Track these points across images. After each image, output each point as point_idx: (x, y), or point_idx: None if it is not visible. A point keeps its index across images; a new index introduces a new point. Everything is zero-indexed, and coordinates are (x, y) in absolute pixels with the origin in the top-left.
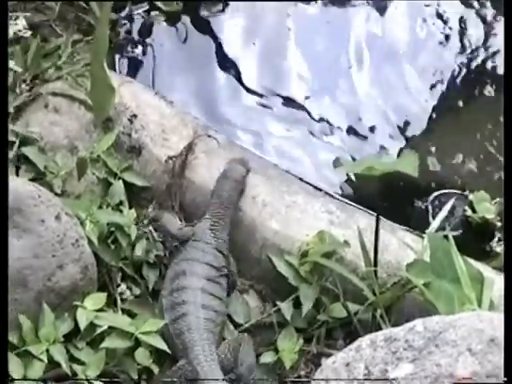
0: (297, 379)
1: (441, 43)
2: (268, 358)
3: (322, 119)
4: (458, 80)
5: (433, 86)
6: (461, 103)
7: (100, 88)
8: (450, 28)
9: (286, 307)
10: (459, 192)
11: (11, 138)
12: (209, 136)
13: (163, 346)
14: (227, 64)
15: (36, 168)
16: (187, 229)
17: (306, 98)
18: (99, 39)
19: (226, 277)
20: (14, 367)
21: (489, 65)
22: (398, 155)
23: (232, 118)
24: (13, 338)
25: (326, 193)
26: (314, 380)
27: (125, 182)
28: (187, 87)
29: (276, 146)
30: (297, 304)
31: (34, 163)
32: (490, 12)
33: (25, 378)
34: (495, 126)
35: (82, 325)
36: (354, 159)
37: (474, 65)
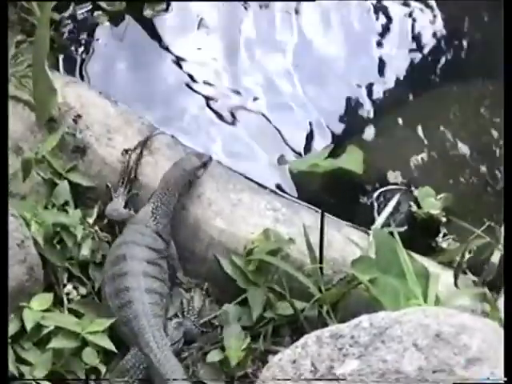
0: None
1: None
2: (215, 356)
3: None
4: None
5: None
6: (410, 96)
7: (41, 89)
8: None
9: (233, 310)
10: (404, 188)
11: None
12: (162, 133)
13: (110, 345)
14: (171, 63)
15: None
16: (125, 211)
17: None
18: (40, 40)
19: (165, 260)
20: None
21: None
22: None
23: (176, 116)
24: None
25: (271, 190)
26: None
27: (70, 183)
28: (132, 87)
29: (221, 144)
30: (243, 302)
31: None
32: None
33: (25, 378)
34: (443, 121)
35: (29, 325)
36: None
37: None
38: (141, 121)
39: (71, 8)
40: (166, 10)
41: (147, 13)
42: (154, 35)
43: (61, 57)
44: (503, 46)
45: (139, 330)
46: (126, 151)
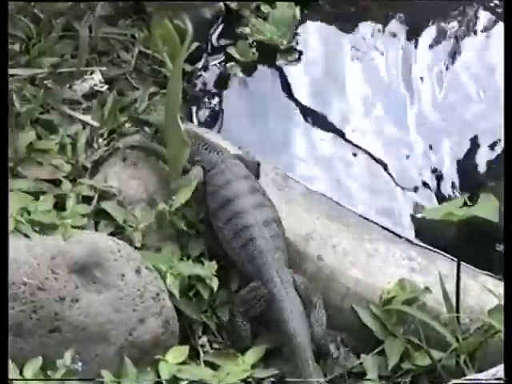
0: None
1: None
2: None
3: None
4: None
5: None
6: None
7: (174, 141)
8: None
9: (371, 361)
10: None
11: (90, 193)
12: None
13: None
14: (302, 113)
15: (115, 222)
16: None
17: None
18: (172, 91)
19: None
20: None
21: None
22: (471, 200)
23: (307, 164)
24: None
25: (407, 239)
26: None
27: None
28: (264, 137)
29: (351, 192)
30: (380, 352)
31: (113, 217)
32: None
33: (25, 378)
34: None
35: (165, 378)
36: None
37: None
38: (275, 171)
39: (203, 59)
40: (298, 59)
41: (280, 62)
42: (286, 85)
43: (193, 108)
44: (503, 46)
45: (264, 265)
46: None
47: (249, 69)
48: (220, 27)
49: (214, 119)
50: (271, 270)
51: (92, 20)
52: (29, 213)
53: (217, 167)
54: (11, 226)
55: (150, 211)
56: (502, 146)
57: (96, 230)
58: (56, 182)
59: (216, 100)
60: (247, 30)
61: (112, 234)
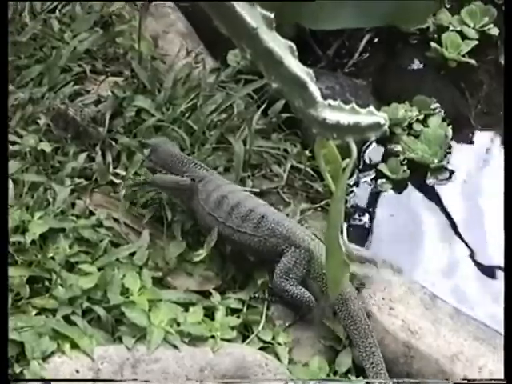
0: None
1: None
2: None
3: None
4: None
5: None
6: None
7: (334, 261)
8: None
9: None
10: None
11: (238, 306)
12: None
13: None
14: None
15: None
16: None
17: None
18: (334, 212)
19: None
20: None
21: None
22: None
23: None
24: None
25: None
26: None
27: None
28: (414, 256)
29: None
30: None
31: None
32: None
33: (25, 379)
34: None
35: None
36: None
37: None
38: (423, 291)
39: (355, 175)
40: (449, 178)
41: (430, 181)
42: (439, 203)
43: (344, 224)
44: (503, 46)
45: (288, 231)
46: None
47: (399, 186)
48: (372, 144)
49: (364, 236)
50: (297, 231)
51: (247, 133)
52: (178, 324)
53: (205, 178)
54: (160, 336)
55: None
56: None
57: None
58: (205, 294)
59: (366, 217)
60: (399, 148)
61: (260, 348)
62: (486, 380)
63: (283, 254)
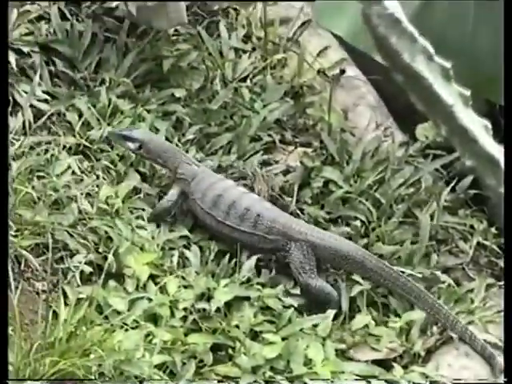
0: None
1: None
2: None
3: None
4: None
5: None
6: None
7: None
8: None
9: None
10: None
11: (421, 380)
12: None
13: None
14: None
15: None
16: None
17: None
18: None
19: None
20: None
21: None
22: None
23: None
24: None
25: None
26: None
27: None
28: None
29: None
30: None
31: None
32: None
33: (24, 378)
34: None
35: None
36: None
37: None
38: None
39: None
40: None
41: None
42: None
43: None
44: (503, 46)
45: (284, 226)
46: None
47: None
48: None
49: None
50: (292, 224)
51: (435, 208)
52: None
53: (197, 176)
54: None
55: None
56: None
57: None
58: (387, 367)
59: None
60: None
61: None
62: (486, 380)
63: (284, 249)
